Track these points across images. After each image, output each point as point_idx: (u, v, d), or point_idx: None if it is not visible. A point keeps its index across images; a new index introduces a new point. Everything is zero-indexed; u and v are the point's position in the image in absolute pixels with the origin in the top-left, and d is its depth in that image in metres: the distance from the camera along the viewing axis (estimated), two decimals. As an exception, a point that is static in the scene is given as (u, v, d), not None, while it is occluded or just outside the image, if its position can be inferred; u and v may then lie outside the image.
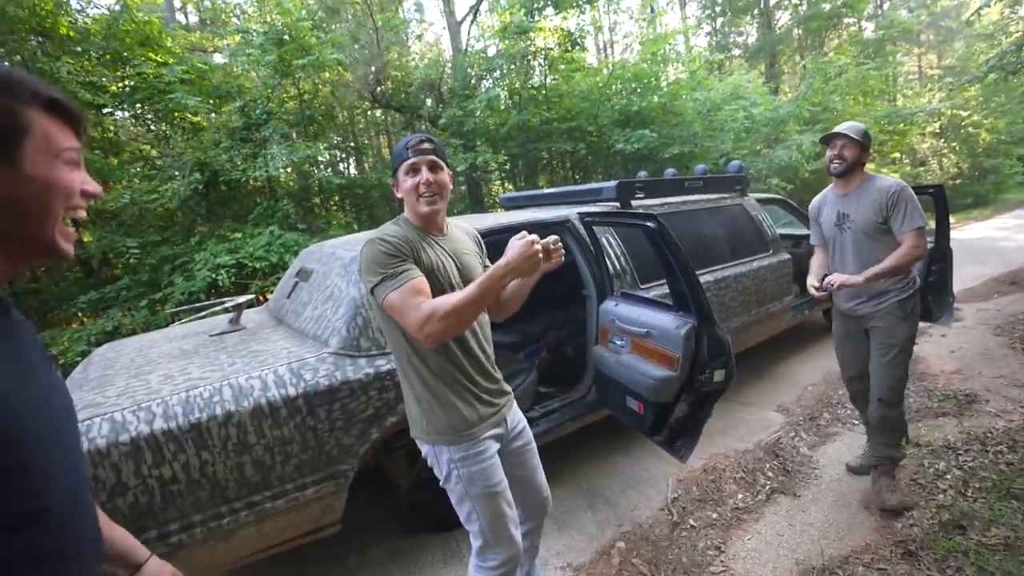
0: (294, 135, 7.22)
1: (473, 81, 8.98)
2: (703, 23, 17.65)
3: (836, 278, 2.11)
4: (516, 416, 1.55)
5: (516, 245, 1.20)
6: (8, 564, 0.56)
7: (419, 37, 12.52)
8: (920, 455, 2.48)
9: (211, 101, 6.54)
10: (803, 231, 4.40)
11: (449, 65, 9.69)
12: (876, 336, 2.20)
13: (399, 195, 1.40)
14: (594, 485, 2.59)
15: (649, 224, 1.96)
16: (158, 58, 6.22)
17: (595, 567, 2.02)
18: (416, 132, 9.44)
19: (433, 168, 1.35)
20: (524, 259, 1.18)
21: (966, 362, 3.48)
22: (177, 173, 5.75)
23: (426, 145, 1.36)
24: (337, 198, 8.63)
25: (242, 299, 2.55)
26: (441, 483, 1.46)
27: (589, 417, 2.64)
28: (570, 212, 2.80)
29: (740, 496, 2.34)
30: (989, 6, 7.41)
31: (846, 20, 15.39)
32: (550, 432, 2.49)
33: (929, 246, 3.16)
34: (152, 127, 7.17)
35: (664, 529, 2.19)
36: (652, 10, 12.63)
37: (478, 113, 7.96)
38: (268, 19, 7.82)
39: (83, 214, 0.67)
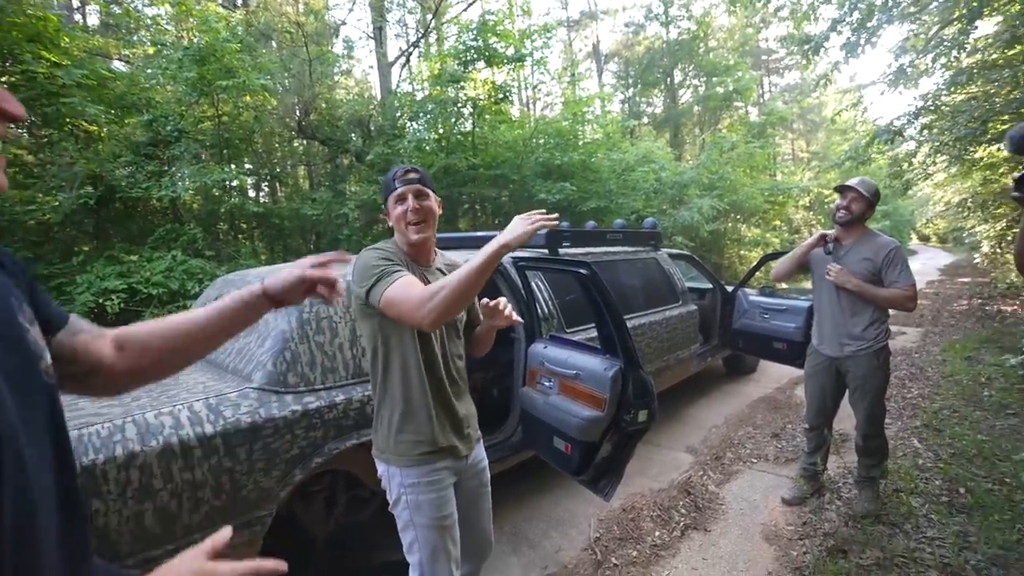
0: (205, 157, 6.81)
1: (402, 121, 9.08)
2: (618, 91, 19.38)
3: (836, 269, 2.37)
4: (479, 455, 1.56)
5: (519, 223, 1.18)
6: None
7: (347, 72, 12.49)
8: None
9: (113, 111, 6.02)
10: (707, 285, 4.87)
11: (376, 103, 9.75)
12: (854, 380, 2.46)
13: (391, 223, 1.43)
14: (518, 528, 2.58)
15: (583, 271, 2.09)
16: (52, 58, 5.65)
17: (522, 612, 2.00)
18: (340, 166, 9.26)
19: (419, 196, 1.40)
20: (522, 237, 1.17)
21: (838, 406, 3.99)
22: (64, 184, 5.14)
23: (412, 175, 1.41)
24: (246, 226, 8.17)
25: (146, 328, 2.31)
26: (390, 507, 1.45)
27: (514, 458, 2.66)
28: (505, 258, 2.90)
29: (657, 533, 2.45)
30: (844, 111, 8.94)
31: (736, 104, 17.66)
32: (477, 473, 2.47)
33: (810, 303, 3.63)
34: (33, 132, 6.41)
35: (588, 569, 2.23)
36: (573, 75, 13.68)
37: (404, 153, 8.02)
38: (188, 35, 7.45)
39: None
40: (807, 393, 2.73)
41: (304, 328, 1.99)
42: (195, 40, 6.39)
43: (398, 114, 9.01)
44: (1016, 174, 1.41)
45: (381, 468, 1.45)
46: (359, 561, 2.29)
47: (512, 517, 2.67)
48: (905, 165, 8.61)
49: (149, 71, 6.67)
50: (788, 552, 2.29)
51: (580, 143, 10.08)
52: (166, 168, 5.83)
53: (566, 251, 3.35)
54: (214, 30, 6.05)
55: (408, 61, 11.17)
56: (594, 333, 2.86)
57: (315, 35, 10.21)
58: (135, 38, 7.99)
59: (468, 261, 1.18)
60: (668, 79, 18.60)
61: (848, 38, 6.13)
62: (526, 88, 14.63)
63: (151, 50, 6.84)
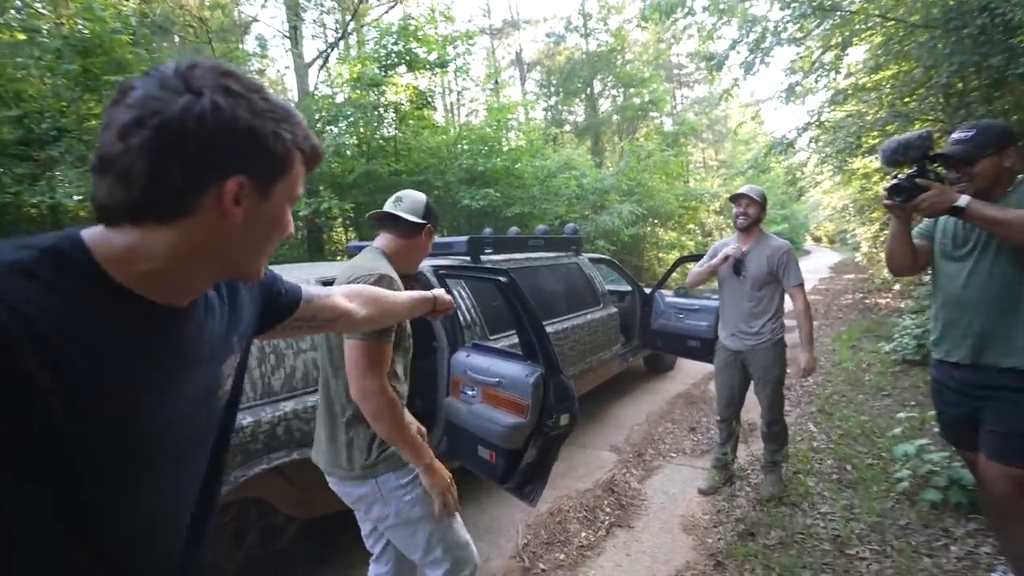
0: (93, 159, 6.13)
1: (320, 125, 8.73)
2: (540, 99, 19.83)
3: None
4: None
5: (442, 487, 1.36)
6: None
7: (261, 72, 11.81)
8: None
9: (-29, 105, 5.27)
10: (626, 287, 5.07)
11: (293, 105, 9.30)
12: (756, 372, 2.68)
13: (423, 244, 1.54)
14: (446, 541, 2.53)
15: (502, 279, 2.10)
16: None
17: (449, 628, 1.96)
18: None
19: None
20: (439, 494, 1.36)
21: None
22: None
23: None
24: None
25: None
26: (388, 521, 1.39)
27: (441, 470, 2.61)
28: (422, 264, 2.85)
29: (584, 534, 2.50)
30: (744, 123, 9.72)
31: (652, 114, 18.66)
32: (401, 489, 2.40)
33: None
34: None
35: (516, 577, 2.22)
36: (496, 82, 13.82)
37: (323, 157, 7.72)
38: (69, 23, 6.70)
39: None
40: (717, 387, 2.91)
41: (203, 347, 1.83)
42: (78, 28, 5.76)
43: (316, 117, 8.64)
44: (887, 184, 1.61)
45: (366, 488, 1.37)
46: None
47: (440, 530, 2.62)
48: (798, 173, 9.50)
49: (19, 60, 5.92)
50: (704, 540, 2.42)
51: (504, 149, 10.19)
52: (43, 171, 5.19)
53: (489, 258, 3.36)
54: (100, 19, 5.49)
55: (326, 63, 10.75)
56: (516, 339, 2.88)
57: (221, 31, 9.58)
58: (1, 20, 7.06)
59: (408, 445, 1.32)
60: (588, 89, 19.30)
61: (745, 57, 6.67)
62: (449, 94, 14.59)
63: (21, 36, 6.07)
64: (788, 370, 2.76)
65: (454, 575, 1.42)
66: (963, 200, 1.48)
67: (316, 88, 10.02)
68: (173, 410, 0.61)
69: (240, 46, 9.51)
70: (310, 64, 11.04)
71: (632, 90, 17.83)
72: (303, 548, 2.40)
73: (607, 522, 2.60)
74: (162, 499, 0.64)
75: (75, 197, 5.29)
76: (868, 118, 6.65)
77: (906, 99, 6.18)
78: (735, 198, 2.68)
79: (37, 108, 5.43)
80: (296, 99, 10.21)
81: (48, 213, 5.70)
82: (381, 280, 1.29)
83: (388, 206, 1.50)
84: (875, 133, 6.25)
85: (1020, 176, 1.59)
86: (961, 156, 1.57)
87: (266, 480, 1.96)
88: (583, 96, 19.80)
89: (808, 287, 2.76)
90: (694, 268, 2.91)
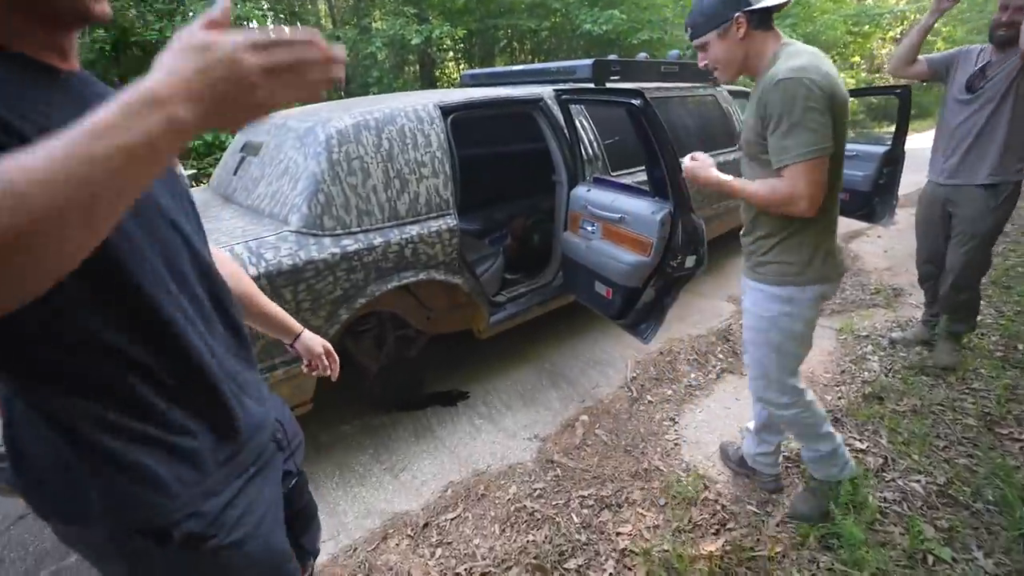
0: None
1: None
2: None
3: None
4: None
5: None
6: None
7: None
8: (853, 340, 2.73)
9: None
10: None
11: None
12: (957, 223, 2.22)
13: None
14: (557, 366, 2.70)
15: (635, 102, 1.85)
16: None
17: (560, 437, 2.17)
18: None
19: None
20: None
21: (896, 260, 3.77)
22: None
23: None
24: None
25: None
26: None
27: (554, 302, 2.69)
28: (543, 90, 2.61)
29: (693, 375, 2.52)
30: None
31: (830, -100, 14.29)
32: (516, 316, 2.52)
33: (884, 148, 3.22)
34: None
35: (623, 404, 2.35)
36: None
37: (433, -22, 7.08)
38: None
39: None
40: (917, 240, 2.53)
41: (335, 169, 1.90)
42: None
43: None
44: None
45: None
46: (412, 393, 2.48)
47: (552, 356, 2.79)
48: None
49: None
50: (823, 396, 2.32)
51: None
52: (176, 5, 5.37)
53: (614, 85, 3.00)
54: None
55: None
56: (641, 177, 2.66)
57: None
58: None
59: None
60: None
61: None
62: None
63: None
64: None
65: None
66: None
67: None
68: None
69: None
70: None
71: None
72: (432, 357, 2.70)
73: (718, 367, 2.59)
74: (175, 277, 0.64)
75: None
76: None
77: None
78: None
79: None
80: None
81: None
82: None
83: None
84: None
85: None
86: None
87: (397, 296, 2.14)
88: None
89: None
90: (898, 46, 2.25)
